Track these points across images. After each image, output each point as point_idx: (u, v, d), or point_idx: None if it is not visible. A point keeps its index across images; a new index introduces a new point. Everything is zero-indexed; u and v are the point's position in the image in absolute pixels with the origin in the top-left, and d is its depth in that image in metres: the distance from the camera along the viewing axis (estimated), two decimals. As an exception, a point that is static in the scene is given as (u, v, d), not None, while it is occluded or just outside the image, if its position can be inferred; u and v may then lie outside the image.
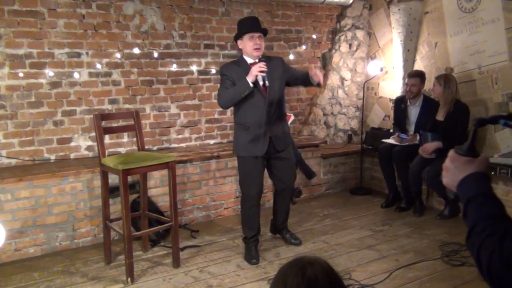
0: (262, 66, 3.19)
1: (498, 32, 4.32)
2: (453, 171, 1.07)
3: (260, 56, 3.35)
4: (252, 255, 3.55)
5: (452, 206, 4.41)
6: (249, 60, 3.39)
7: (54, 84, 4.15)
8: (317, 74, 3.26)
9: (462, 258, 3.49)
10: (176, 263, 3.45)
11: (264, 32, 3.41)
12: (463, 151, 1.09)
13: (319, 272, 1.10)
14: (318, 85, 3.38)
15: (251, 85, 3.23)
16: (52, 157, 4.21)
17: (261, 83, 3.37)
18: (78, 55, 4.22)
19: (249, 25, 3.36)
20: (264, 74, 3.25)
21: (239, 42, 3.42)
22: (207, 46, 4.86)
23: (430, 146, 4.27)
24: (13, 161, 4.05)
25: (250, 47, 3.33)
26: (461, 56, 4.71)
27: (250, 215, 3.58)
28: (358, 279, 3.19)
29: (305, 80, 3.42)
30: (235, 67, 3.41)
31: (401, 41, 5.09)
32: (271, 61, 3.39)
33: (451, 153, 1.11)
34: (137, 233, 3.49)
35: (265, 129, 3.40)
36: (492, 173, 3.65)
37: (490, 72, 4.44)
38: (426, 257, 3.54)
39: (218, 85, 4.88)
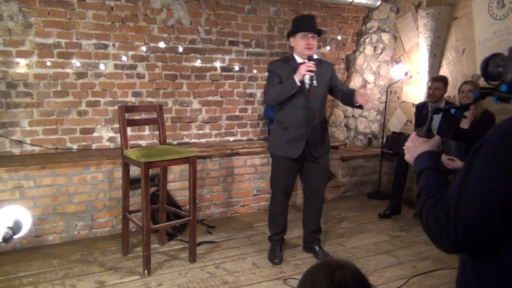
0: (310, 65, 3.12)
1: (529, 40, 4.23)
2: (412, 149, 1.37)
3: (311, 56, 3.26)
4: (275, 255, 3.54)
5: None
6: (299, 59, 3.34)
7: (80, 75, 4.20)
8: (365, 97, 3.10)
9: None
10: (193, 258, 3.47)
11: (319, 33, 3.35)
12: (421, 133, 1.37)
13: (349, 276, 1.09)
14: (360, 107, 3.21)
15: (298, 84, 3.19)
16: (75, 146, 4.27)
17: (307, 84, 3.29)
18: (105, 46, 4.26)
19: (304, 24, 3.30)
20: (312, 74, 3.16)
21: (291, 39, 3.36)
22: (231, 43, 4.86)
23: (458, 165, 4.14)
24: (37, 149, 4.11)
25: (302, 46, 3.27)
26: (489, 64, 4.61)
27: (275, 213, 3.57)
28: (375, 284, 3.16)
29: (348, 97, 3.27)
30: (283, 65, 3.36)
31: (427, 46, 5.02)
32: (321, 64, 3.33)
33: (412, 134, 1.40)
34: (155, 226, 3.50)
35: (303, 132, 3.34)
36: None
37: (519, 81, 4.35)
38: (445, 265, 3.49)
39: (250, 82, 4.97)
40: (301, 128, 3.34)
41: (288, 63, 3.36)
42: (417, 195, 1.22)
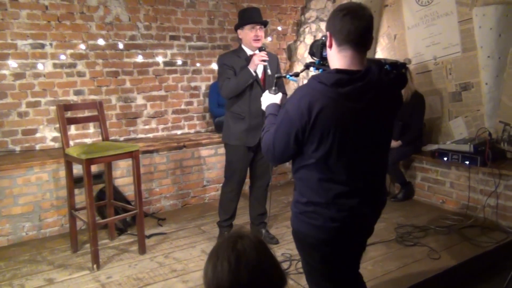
0: (263, 55, 3.25)
1: (451, 25, 4.53)
2: (265, 101, 2.15)
3: (261, 47, 3.38)
4: None
5: (406, 191, 4.67)
6: (248, 51, 3.44)
7: (18, 76, 4.14)
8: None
9: (414, 239, 3.72)
10: (142, 250, 3.54)
11: (265, 24, 3.47)
12: (271, 91, 2.14)
13: (248, 245, 1.23)
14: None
15: (254, 74, 3.31)
16: (17, 148, 4.22)
17: (259, 74, 3.41)
18: (42, 46, 4.22)
19: (251, 16, 3.40)
20: (266, 64, 3.29)
21: (239, 31, 3.45)
22: (172, 38, 4.91)
23: (394, 144, 4.40)
24: (-23, 153, 4.04)
25: (250, 38, 3.37)
26: (418, 48, 4.91)
27: (228, 198, 3.66)
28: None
29: None
30: (235, 57, 3.44)
31: (362, 33, 5.25)
32: (270, 55, 3.43)
33: (266, 92, 2.17)
34: (102, 220, 3.55)
35: (260, 121, 3.43)
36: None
37: (445, 63, 4.66)
38: (382, 238, 3.73)
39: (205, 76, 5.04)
40: (258, 117, 3.44)
41: (239, 55, 3.46)
42: (263, 130, 1.95)
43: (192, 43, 5.05)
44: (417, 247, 3.58)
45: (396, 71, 1.83)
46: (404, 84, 1.91)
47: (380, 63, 1.83)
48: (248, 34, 3.39)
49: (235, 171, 3.60)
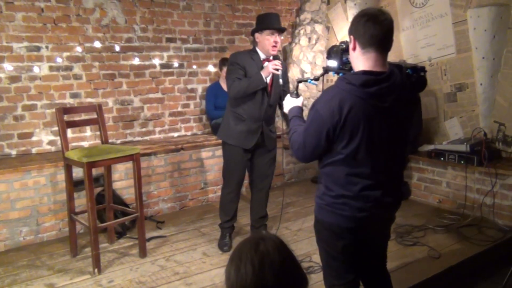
0: (278, 64, 3.23)
1: (446, 26, 4.58)
2: (287, 104, 2.22)
3: (277, 55, 3.39)
4: (224, 243, 3.67)
5: (403, 191, 4.71)
6: (262, 55, 3.43)
7: (13, 79, 4.10)
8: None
9: (414, 238, 3.75)
10: (143, 253, 3.52)
11: (284, 31, 3.48)
12: (293, 95, 2.22)
13: (271, 247, 1.22)
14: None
15: (266, 81, 3.30)
16: (13, 152, 4.17)
17: (268, 81, 3.39)
18: (38, 49, 4.18)
19: (272, 22, 3.39)
20: (279, 73, 3.25)
21: (257, 35, 3.42)
22: (169, 40, 4.90)
23: None
24: (-28, 157, 3.99)
25: (269, 43, 3.35)
26: (413, 49, 4.96)
27: (227, 200, 3.66)
28: (318, 261, 3.34)
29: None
30: (248, 59, 3.42)
31: (357, 34, 5.28)
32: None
33: (288, 95, 2.25)
34: (102, 224, 3.52)
35: (260, 125, 3.47)
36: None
37: (440, 64, 4.71)
38: (382, 239, 3.75)
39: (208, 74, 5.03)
40: (258, 121, 3.47)
41: (252, 58, 3.44)
42: (289, 131, 2.09)
43: (189, 46, 5.04)
44: (417, 247, 3.61)
45: (417, 75, 1.97)
46: (423, 87, 2.03)
47: (401, 66, 1.98)
48: (266, 39, 3.37)
49: (233, 172, 3.60)
